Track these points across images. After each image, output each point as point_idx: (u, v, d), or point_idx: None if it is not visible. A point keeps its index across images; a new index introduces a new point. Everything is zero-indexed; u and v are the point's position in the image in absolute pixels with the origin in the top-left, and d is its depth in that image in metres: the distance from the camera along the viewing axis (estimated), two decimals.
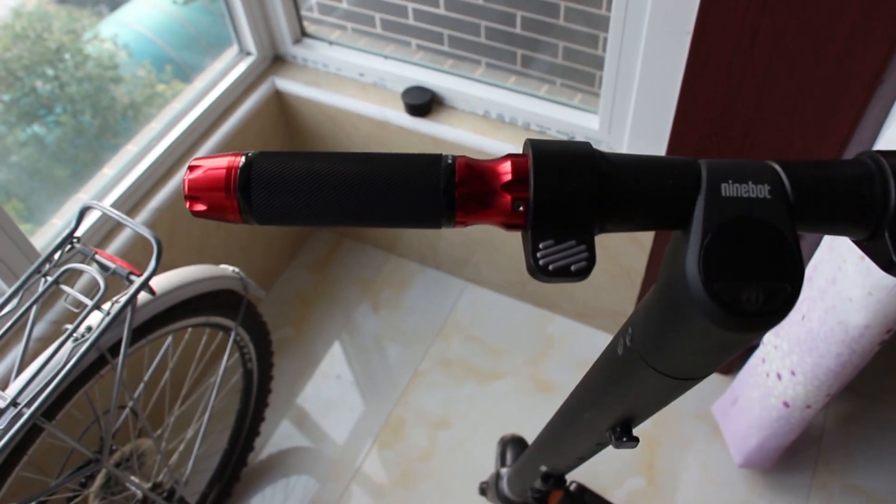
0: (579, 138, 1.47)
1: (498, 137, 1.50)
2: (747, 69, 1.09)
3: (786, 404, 1.35)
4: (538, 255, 0.35)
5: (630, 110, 1.35)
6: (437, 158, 0.37)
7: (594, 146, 0.37)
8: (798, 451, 1.61)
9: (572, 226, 0.35)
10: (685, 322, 0.37)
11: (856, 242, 0.39)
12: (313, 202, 0.36)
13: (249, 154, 0.37)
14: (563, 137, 1.48)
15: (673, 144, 1.26)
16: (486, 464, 1.62)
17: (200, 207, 0.37)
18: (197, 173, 0.37)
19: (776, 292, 0.34)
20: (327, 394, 1.79)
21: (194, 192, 0.37)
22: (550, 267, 0.34)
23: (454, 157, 0.37)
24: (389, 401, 1.76)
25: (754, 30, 1.03)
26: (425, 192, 0.36)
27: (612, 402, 0.54)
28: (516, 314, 1.91)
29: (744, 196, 0.36)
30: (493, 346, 1.85)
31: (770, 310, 0.34)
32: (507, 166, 0.36)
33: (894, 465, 1.60)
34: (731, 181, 0.36)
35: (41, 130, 1.47)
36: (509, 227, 0.37)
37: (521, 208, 0.36)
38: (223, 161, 0.37)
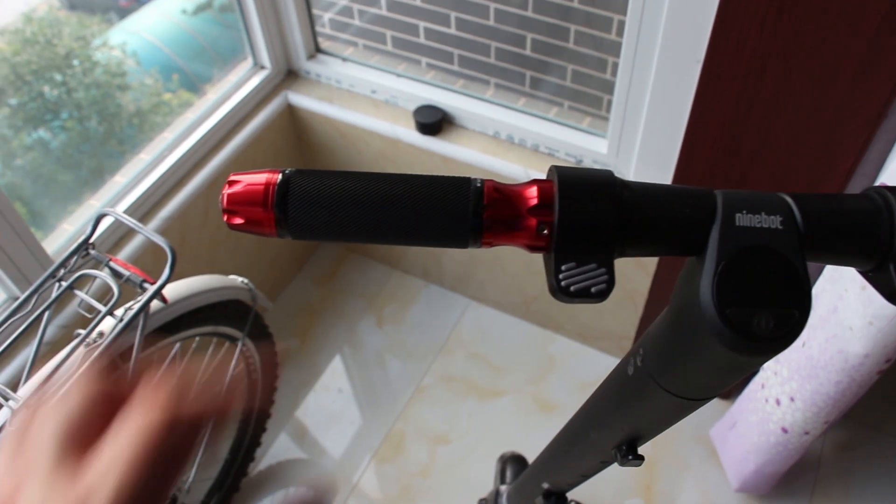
0: (587, 161, 1.49)
1: (507, 158, 1.52)
2: (755, 101, 1.11)
3: (784, 430, 1.37)
4: (560, 276, 0.36)
5: (639, 135, 1.37)
6: (466, 182, 0.38)
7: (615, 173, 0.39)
8: (795, 476, 1.62)
9: (594, 249, 0.37)
10: (697, 344, 0.39)
11: (861, 273, 0.41)
12: (347, 220, 0.38)
13: (287, 171, 0.39)
14: (572, 160, 1.50)
15: (680, 170, 1.28)
16: (485, 481, 1.63)
17: (238, 221, 0.39)
18: (236, 188, 0.39)
19: (785, 318, 0.36)
20: (328, 407, 1.80)
21: (233, 205, 0.39)
22: (572, 288, 0.36)
23: (482, 181, 0.39)
24: (390, 415, 1.77)
25: (762, 65, 1.06)
26: (455, 213, 0.38)
27: (620, 421, 0.56)
28: (519, 333, 1.92)
29: (757, 226, 0.37)
30: (496, 364, 1.86)
31: (779, 335, 0.35)
32: (533, 191, 0.38)
33: (891, 494, 1.61)
34: (745, 211, 0.38)
35: (46, 135, 1.49)
36: (533, 248, 0.38)
37: (545, 231, 0.37)
38: (262, 177, 0.39)
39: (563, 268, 0.36)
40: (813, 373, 1.23)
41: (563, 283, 0.36)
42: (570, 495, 0.91)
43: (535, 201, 0.38)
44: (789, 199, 0.39)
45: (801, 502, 1.60)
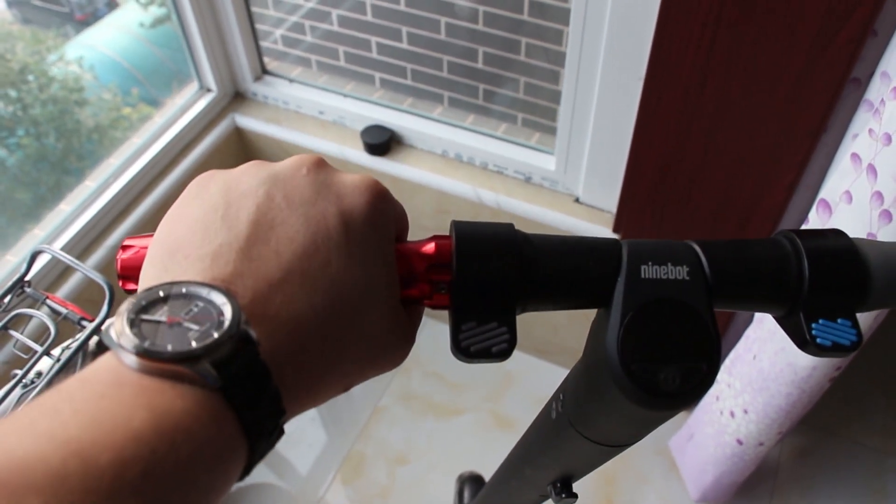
0: (536, 178, 1.49)
1: (456, 177, 1.51)
2: (697, 115, 1.11)
3: (739, 441, 1.37)
4: (460, 336, 0.35)
5: (585, 152, 1.37)
6: None
7: (517, 228, 0.38)
8: (754, 485, 1.63)
9: (494, 308, 0.36)
10: (607, 396, 0.38)
11: (775, 319, 0.40)
12: None
13: None
14: (520, 178, 1.50)
15: (627, 186, 1.29)
16: (444, 500, 1.62)
17: (133, 287, 0.38)
18: (129, 253, 0.37)
19: (692, 372, 0.35)
20: (288, 428, 1.76)
21: (127, 271, 0.37)
22: (472, 349, 0.35)
23: None
24: (350, 436, 1.76)
25: (703, 78, 1.06)
26: None
27: (549, 461, 0.55)
28: None
29: (663, 278, 0.36)
30: (453, 382, 1.85)
31: (686, 389, 0.35)
32: (430, 248, 0.37)
33: (849, 497, 1.62)
34: (650, 263, 0.37)
35: (2, 153, 1.46)
36: (433, 307, 0.37)
37: (443, 290, 0.36)
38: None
39: (462, 328, 0.35)
40: (764, 385, 1.24)
41: (462, 344, 0.35)
42: None
43: (432, 259, 0.37)
44: (697, 248, 0.38)
45: None
